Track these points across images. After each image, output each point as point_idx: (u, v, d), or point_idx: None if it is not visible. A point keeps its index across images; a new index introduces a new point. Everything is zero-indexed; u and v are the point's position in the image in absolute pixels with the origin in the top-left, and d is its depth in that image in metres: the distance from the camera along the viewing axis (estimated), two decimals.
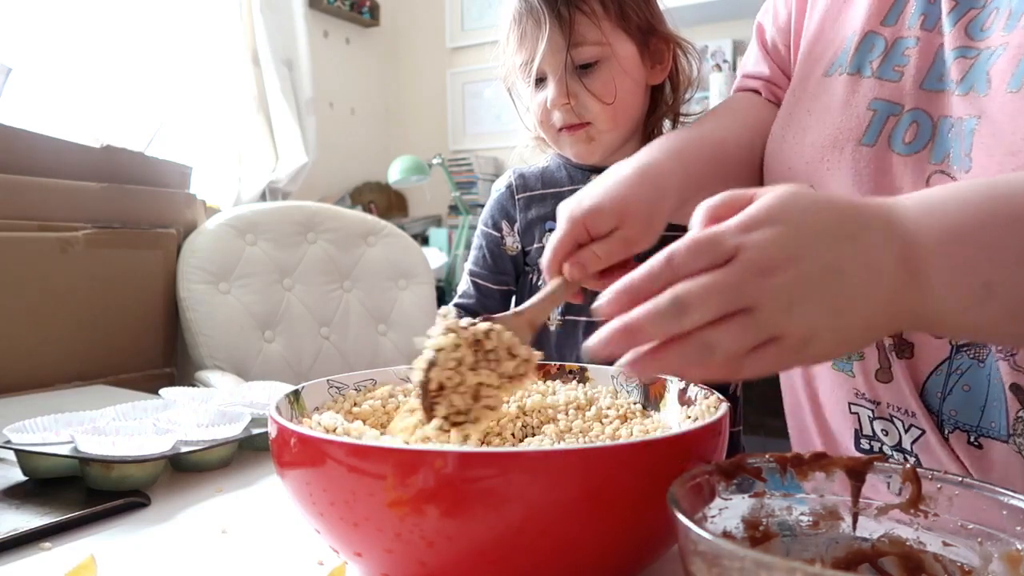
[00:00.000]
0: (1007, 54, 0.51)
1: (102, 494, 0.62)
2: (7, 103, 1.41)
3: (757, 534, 0.41)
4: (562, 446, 0.48)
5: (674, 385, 0.57)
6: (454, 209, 2.85)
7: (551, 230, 0.88)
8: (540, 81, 0.83)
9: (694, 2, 2.29)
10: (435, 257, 2.62)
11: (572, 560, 0.40)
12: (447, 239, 2.81)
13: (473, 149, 2.96)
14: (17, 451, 0.66)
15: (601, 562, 0.40)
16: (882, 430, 0.60)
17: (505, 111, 2.90)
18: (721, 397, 0.50)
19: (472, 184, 2.83)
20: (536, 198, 0.91)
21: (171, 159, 1.54)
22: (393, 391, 0.62)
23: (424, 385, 0.50)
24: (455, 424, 0.49)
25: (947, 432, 0.56)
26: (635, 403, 0.60)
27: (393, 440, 0.48)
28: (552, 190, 0.91)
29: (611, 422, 0.55)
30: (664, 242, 0.42)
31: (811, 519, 0.42)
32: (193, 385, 1.10)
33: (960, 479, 0.39)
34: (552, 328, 0.88)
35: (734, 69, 2.41)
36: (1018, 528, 0.36)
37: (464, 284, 0.97)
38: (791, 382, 0.70)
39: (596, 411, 0.57)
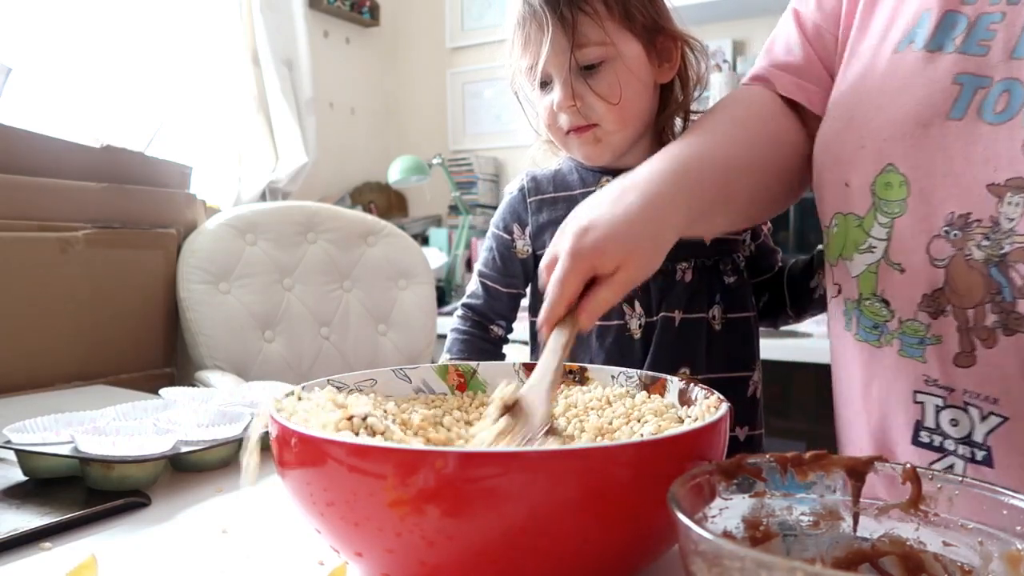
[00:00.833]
0: None
1: (102, 494, 0.62)
2: (7, 103, 1.41)
3: (757, 534, 0.41)
4: (562, 446, 0.48)
5: (674, 385, 0.57)
6: (454, 209, 2.85)
7: None
8: (546, 84, 0.82)
9: (694, 2, 2.29)
10: (435, 257, 2.62)
11: (572, 560, 0.40)
12: (447, 239, 2.81)
13: (473, 149, 2.96)
14: (17, 451, 0.66)
15: (601, 562, 0.40)
16: (951, 420, 0.58)
17: (505, 111, 2.91)
18: (721, 397, 0.50)
19: (472, 184, 2.83)
20: (548, 201, 0.91)
21: (171, 159, 1.54)
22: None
23: None
24: None
25: None
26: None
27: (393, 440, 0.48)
28: (564, 193, 0.91)
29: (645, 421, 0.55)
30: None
31: (811, 519, 0.42)
32: (193, 385, 1.10)
33: (960, 479, 0.39)
34: None
35: (734, 69, 2.41)
36: (1018, 528, 0.36)
37: (473, 284, 0.97)
38: (846, 374, 0.67)
39: (624, 410, 0.57)
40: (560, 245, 0.58)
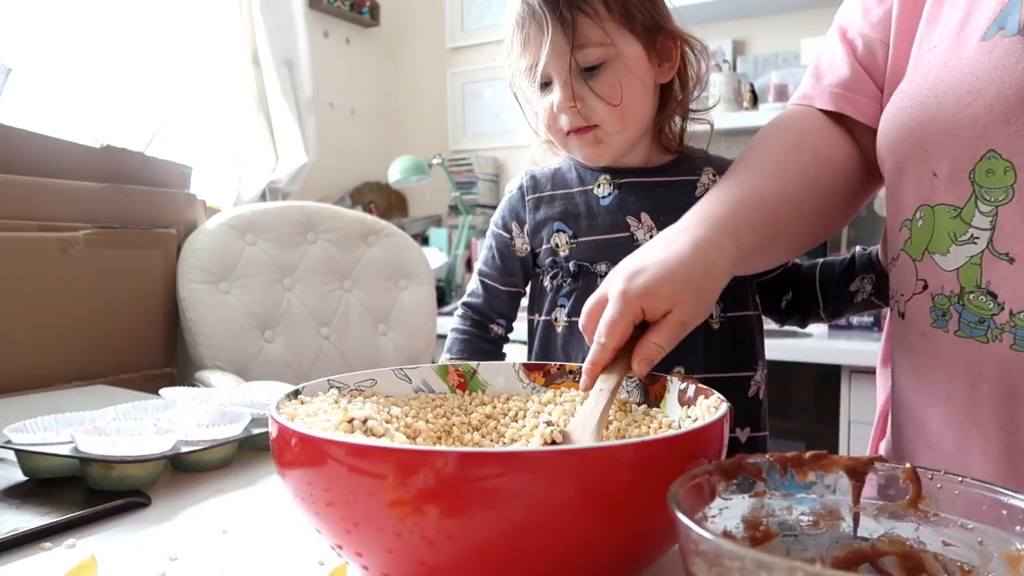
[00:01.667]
0: None
1: (102, 494, 0.62)
2: (7, 103, 1.41)
3: (757, 534, 0.41)
4: (562, 446, 0.48)
5: (674, 385, 0.57)
6: (454, 209, 2.85)
7: (559, 230, 0.88)
8: (546, 85, 0.82)
9: (694, 2, 2.29)
10: (435, 257, 2.62)
11: (572, 560, 0.40)
12: (447, 239, 2.81)
13: (473, 149, 2.96)
14: (17, 451, 0.66)
15: (601, 562, 0.41)
16: None
17: (505, 111, 2.91)
18: (721, 397, 0.50)
19: (472, 184, 2.83)
20: (545, 199, 0.91)
21: (171, 159, 1.54)
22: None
23: None
24: None
25: None
26: (638, 403, 0.60)
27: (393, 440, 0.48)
28: (562, 191, 0.91)
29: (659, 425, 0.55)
30: None
31: (811, 519, 0.42)
32: (193, 385, 1.10)
33: (960, 479, 0.39)
34: (559, 330, 0.88)
35: (734, 69, 2.41)
36: (1018, 528, 0.36)
37: (473, 283, 0.97)
38: (940, 374, 0.64)
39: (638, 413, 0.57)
40: (610, 287, 0.59)
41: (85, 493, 0.63)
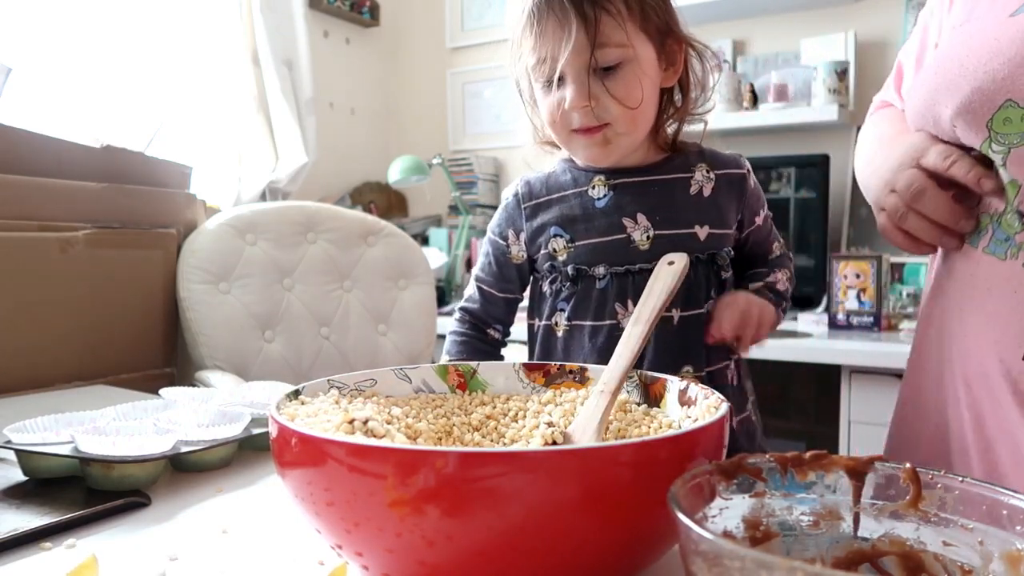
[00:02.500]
0: None
1: (102, 494, 0.62)
2: (7, 103, 1.41)
3: (758, 534, 0.41)
4: (562, 446, 0.48)
5: (674, 385, 0.57)
6: (454, 209, 2.85)
7: (556, 235, 0.88)
8: (553, 81, 0.80)
9: (694, 2, 2.29)
10: (435, 257, 2.62)
11: (572, 560, 0.40)
12: (447, 239, 2.81)
13: (473, 149, 2.96)
14: (17, 451, 0.66)
15: (601, 562, 0.41)
16: None
17: (505, 111, 2.91)
18: (721, 397, 0.50)
19: (472, 184, 2.83)
20: (543, 205, 0.90)
21: (171, 159, 1.54)
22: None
23: None
24: None
25: None
26: (638, 403, 0.60)
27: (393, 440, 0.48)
28: (557, 195, 0.90)
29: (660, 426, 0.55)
30: None
31: (811, 519, 0.42)
32: (193, 385, 1.10)
33: (960, 479, 0.39)
34: (559, 334, 0.88)
35: (734, 69, 2.41)
36: (1018, 528, 0.36)
37: (471, 289, 0.97)
38: (964, 290, 0.70)
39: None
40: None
41: (85, 493, 0.63)
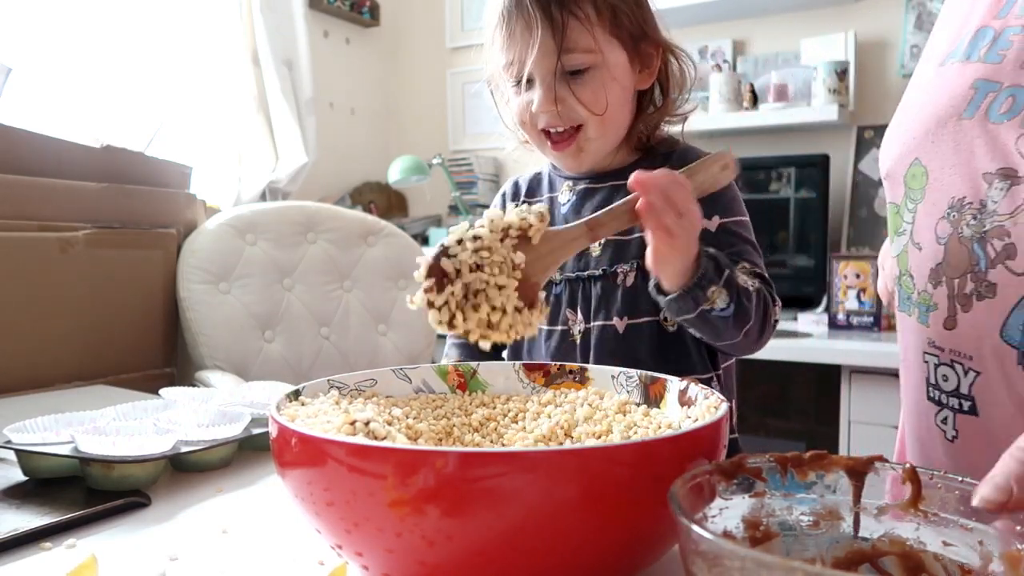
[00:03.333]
0: None
1: (102, 494, 0.62)
2: (7, 103, 1.41)
3: (757, 534, 0.41)
4: (562, 446, 0.48)
5: (674, 385, 0.57)
6: (454, 209, 2.85)
7: None
8: (522, 82, 0.80)
9: (694, 2, 2.29)
10: None
11: (572, 560, 0.40)
12: None
13: (473, 149, 2.96)
14: (17, 451, 0.66)
15: (601, 562, 0.41)
16: (943, 376, 0.66)
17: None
18: (722, 397, 0.50)
19: (472, 184, 2.83)
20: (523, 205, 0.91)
21: (171, 159, 1.54)
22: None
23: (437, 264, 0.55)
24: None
25: None
26: (637, 403, 0.60)
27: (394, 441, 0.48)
28: (535, 199, 0.91)
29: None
30: None
31: (811, 519, 0.42)
32: (193, 385, 1.10)
33: (960, 479, 0.39)
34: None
35: (734, 69, 2.41)
36: (1018, 528, 0.36)
37: None
38: (900, 341, 0.76)
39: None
40: None
41: (85, 493, 0.63)
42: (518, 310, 0.58)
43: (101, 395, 1.17)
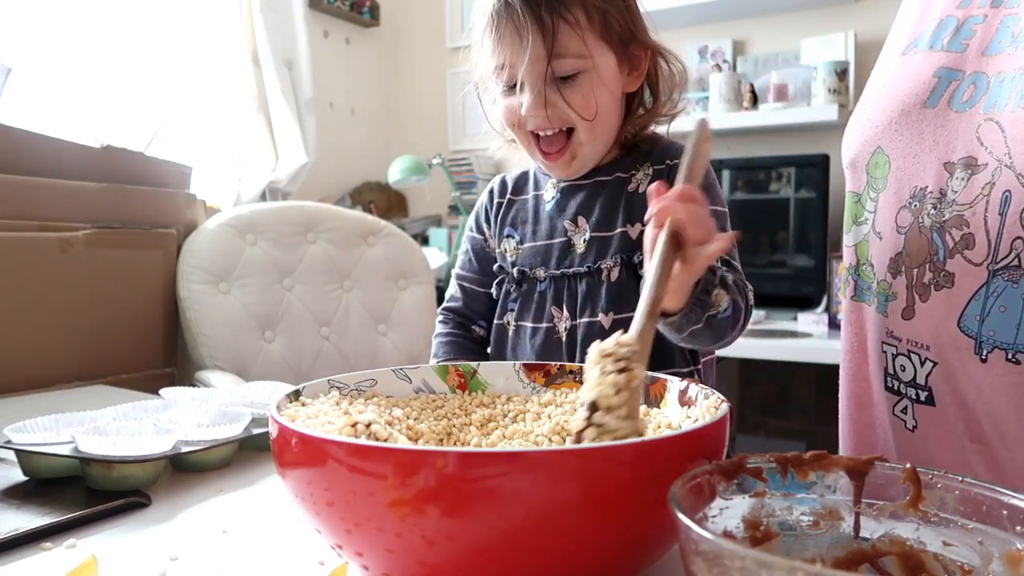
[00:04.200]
0: None
1: (102, 494, 0.62)
2: (7, 103, 1.41)
3: (758, 534, 0.41)
4: (562, 446, 0.48)
5: (674, 385, 0.57)
6: (454, 209, 2.84)
7: (509, 236, 0.90)
8: (513, 86, 0.79)
9: (694, 2, 2.29)
10: (435, 257, 2.62)
11: (572, 560, 0.40)
12: (447, 239, 2.81)
13: (473, 149, 2.96)
14: (18, 451, 0.66)
15: (601, 562, 0.40)
16: (901, 366, 0.66)
17: None
18: (722, 397, 0.50)
19: (472, 184, 2.83)
20: (508, 203, 0.92)
21: (171, 159, 1.54)
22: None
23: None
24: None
25: (986, 353, 0.60)
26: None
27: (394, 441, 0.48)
28: (520, 197, 0.92)
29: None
30: None
31: (811, 519, 0.42)
32: (193, 385, 1.10)
33: (960, 479, 0.39)
34: (509, 333, 0.88)
35: (734, 69, 2.41)
36: (1018, 528, 0.36)
37: (452, 288, 0.97)
38: (847, 331, 0.75)
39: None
40: None
41: (85, 493, 0.63)
42: None
43: (101, 395, 1.17)
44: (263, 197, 2.39)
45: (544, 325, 0.85)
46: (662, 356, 0.82)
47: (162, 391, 0.88)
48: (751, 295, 0.76)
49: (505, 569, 0.39)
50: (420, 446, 0.46)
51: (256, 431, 0.73)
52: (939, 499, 0.39)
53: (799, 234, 2.20)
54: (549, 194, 0.89)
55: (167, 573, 0.48)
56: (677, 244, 0.56)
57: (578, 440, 0.47)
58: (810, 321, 2.02)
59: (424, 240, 2.86)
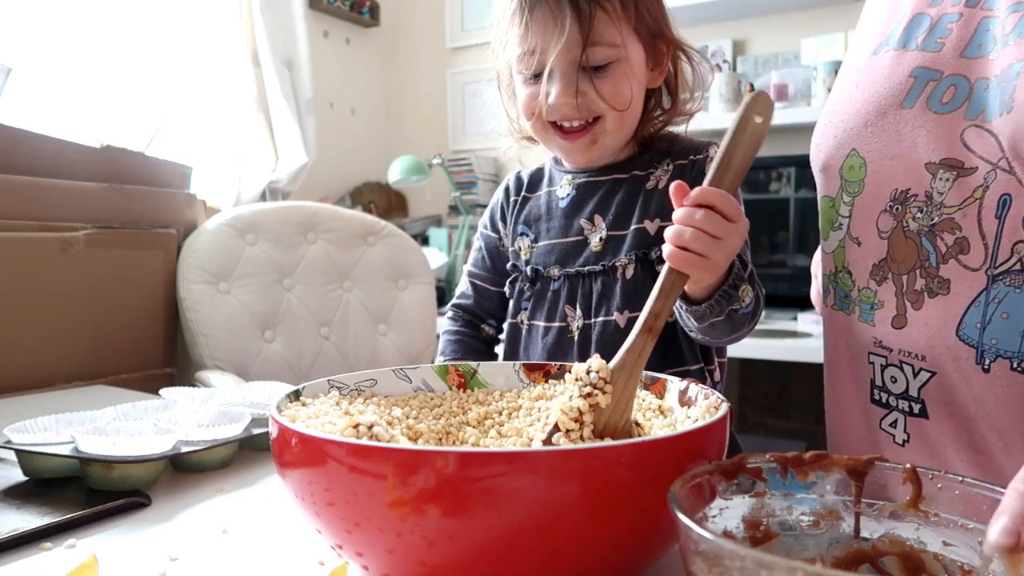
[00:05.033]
0: None
1: (103, 494, 0.62)
2: (7, 103, 1.41)
3: (758, 534, 0.41)
4: (562, 446, 0.48)
5: (674, 385, 0.57)
6: (454, 209, 2.84)
7: (523, 234, 0.89)
8: (538, 75, 0.78)
9: (694, 2, 2.29)
10: (435, 257, 2.62)
11: (573, 560, 0.40)
12: (447, 239, 2.80)
13: (473, 149, 2.96)
14: (18, 451, 0.66)
15: (602, 562, 0.41)
16: (891, 377, 0.63)
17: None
18: (722, 397, 0.50)
19: (472, 184, 2.83)
20: (523, 200, 0.91)
21: (171, 159, 1.54)
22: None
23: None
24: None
25: (989, 362, 0.57)
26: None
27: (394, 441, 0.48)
28: (534, 193, 0.91)
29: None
30: None
31: (811, 519, 0.42)
32: (193, 385, 1.10)
33: (960, 479, 0.39)
34: (523, 331, 0.88)
35: (734, 69, 2.41)
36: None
37: (463, 285, 0.97)
38: (829, 340, 0.73)
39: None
40: None
41: (85, 493, 0.63)
42: None
43: (101, 395, 1.17)
44: (263, 197, 2.39)
45: (556, 324, 0.84)
46: (672, 351, 0.82)
47: (162, 391, 0.88)
48: (762, 292, 0.77)
49: (505, 569, 0.39)
50: (420, 446, 0.46)
51: (256, 431, 0.73)
52: (939, 499, 0.39)
53: (799, 234, 2.20)
54: (564, 191, 0.87)
55: (167, 573, 0.48)
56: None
57: None
58: (810, 321, 2.02)
59: (424, 240, 2.86)
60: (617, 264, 0.81)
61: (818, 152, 0.71)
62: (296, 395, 0.54)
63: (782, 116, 2.19)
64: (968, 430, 0.59)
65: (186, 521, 0.58)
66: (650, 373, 0.61)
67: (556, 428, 0.49)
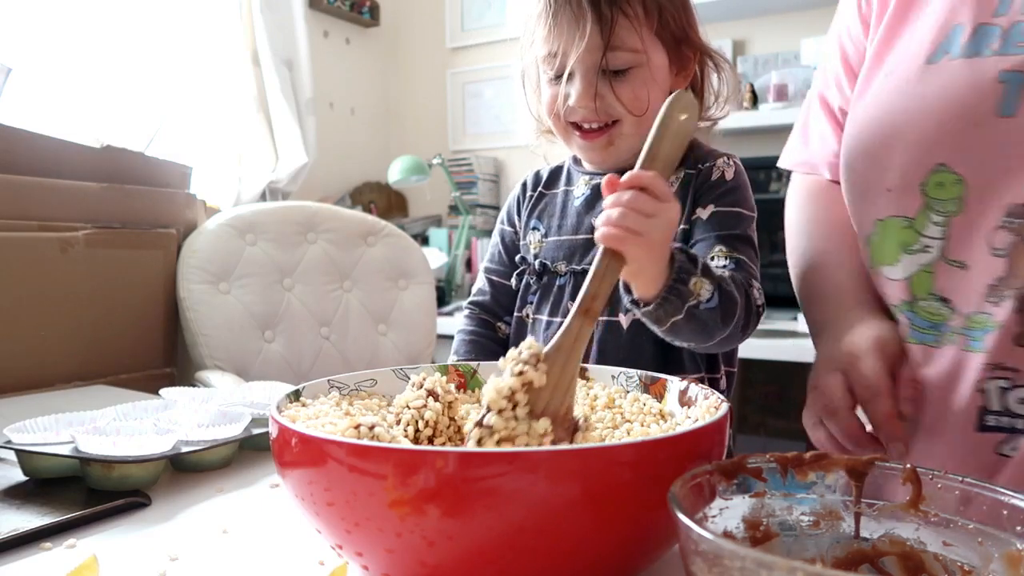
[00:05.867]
0: None
1: (103, 494, 0.62)
2: (7, 103, 1.41)
3: (758, 534, 0.41)
4: (562, 446, 0.47)
5: (674, 386, 0.57)
6: (454, 209, 2.84)
7: (534, 228, 0.89)
8: (562, 75, 0.78)
9: (694, 2, 2.29)
10: (435, 257, 2.62)
11: (573, 560, 0.40)
12: (447, 239, 2.80)
13: (473, 149, 2.96)
14: (18, 451, 0.66)
15: (602, 562, 0.41)
16: (1019, 399, 0.59)
17: (505, 111, 2.90)
18: (722, 397, 0.50)
19: (472, 184, 2.83)
20: (539, 196, 0.92)
21: (171, 159, 1.54)
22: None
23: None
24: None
25: None
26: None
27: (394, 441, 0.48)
28: (551, 190, 0.91)
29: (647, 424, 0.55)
30: None
31: (812, 519, 0.42)
32: (193, 385, 1.10)
33: (960, 479, 0.39)
34: (529, 325, 0.88)
35: (734, 69, 2.41)
36: (1018, 528, 0.36)
37: (480, 281, 0.97)
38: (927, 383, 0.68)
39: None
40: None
41: (85, 493, 0.63)
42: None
43: (101, 395, 1.17)
44: (263, 197, 2.39)
45: (559, 319, 0.84)
46: (672, 359, 0.81)
47: (162, 391, 0.88)
48: (758, 294, 0.75)
49: (505, 569, 0.39)
50: (420, 446, 0.46)
51: (256, 431, 0.73)
52: (939, 499, 0.39)
53: None
54: (580, 190, 0.87)
55: (167, 573, 0.48)
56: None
57: (468, 440, 0.47)
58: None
59: (424, 240, 2.86)
60: None
61: (880, 170, 0.66)
62: (296, 395, 0.54)
63: (782, 116, 2.18)
64: None
65: (186, 521, 0.58)
66: (650, 373, 0.61)
67: (489, 409, 0.48)
